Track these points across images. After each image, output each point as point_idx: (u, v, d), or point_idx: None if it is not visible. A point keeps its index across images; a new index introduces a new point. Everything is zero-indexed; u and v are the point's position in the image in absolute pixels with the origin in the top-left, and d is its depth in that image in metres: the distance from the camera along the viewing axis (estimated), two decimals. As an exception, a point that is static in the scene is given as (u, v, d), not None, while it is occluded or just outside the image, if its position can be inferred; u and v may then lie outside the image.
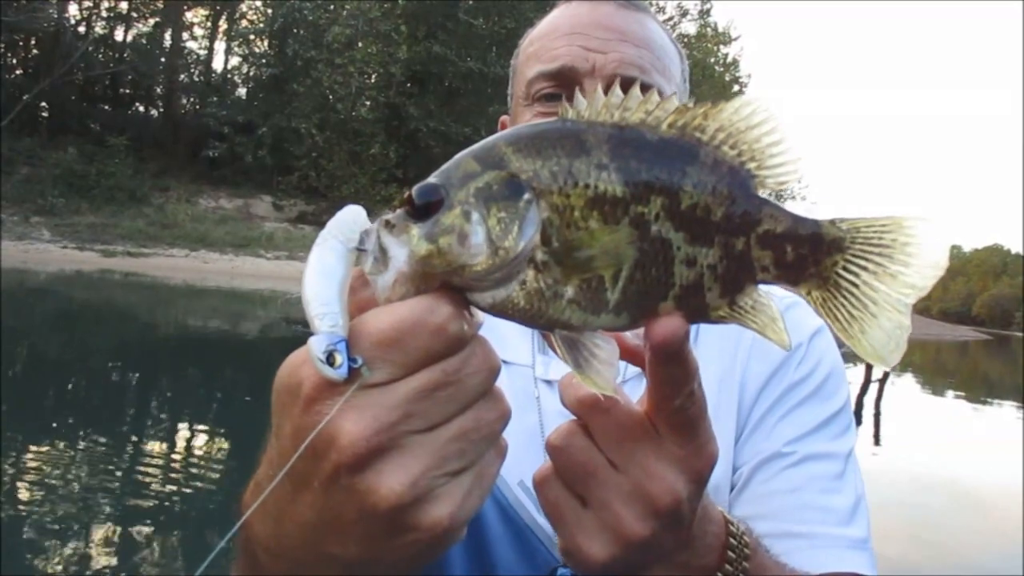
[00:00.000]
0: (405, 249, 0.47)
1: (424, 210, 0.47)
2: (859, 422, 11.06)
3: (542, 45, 1.09)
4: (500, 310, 0.49)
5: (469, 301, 0.49)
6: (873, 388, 13.32)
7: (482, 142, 0.51)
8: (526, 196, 0.49)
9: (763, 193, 0.52)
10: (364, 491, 0.45)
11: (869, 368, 16.43)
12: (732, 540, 0.67)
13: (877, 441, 10.08)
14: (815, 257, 0.53)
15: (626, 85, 1.04)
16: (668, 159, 0.51)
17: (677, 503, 0.56)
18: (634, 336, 0.57)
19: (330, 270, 0.47)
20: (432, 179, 0.49)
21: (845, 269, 0.54)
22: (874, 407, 12.61)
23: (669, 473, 0.56)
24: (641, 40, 1.06)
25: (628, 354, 0.58)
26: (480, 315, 0.50)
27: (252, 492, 0.55)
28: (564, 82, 1.05)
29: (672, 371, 0.53)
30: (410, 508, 0.46)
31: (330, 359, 0.44)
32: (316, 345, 0.44)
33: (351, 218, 0.49)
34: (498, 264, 0.47)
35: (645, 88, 1.02)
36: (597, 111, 0.52)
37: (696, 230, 0.51)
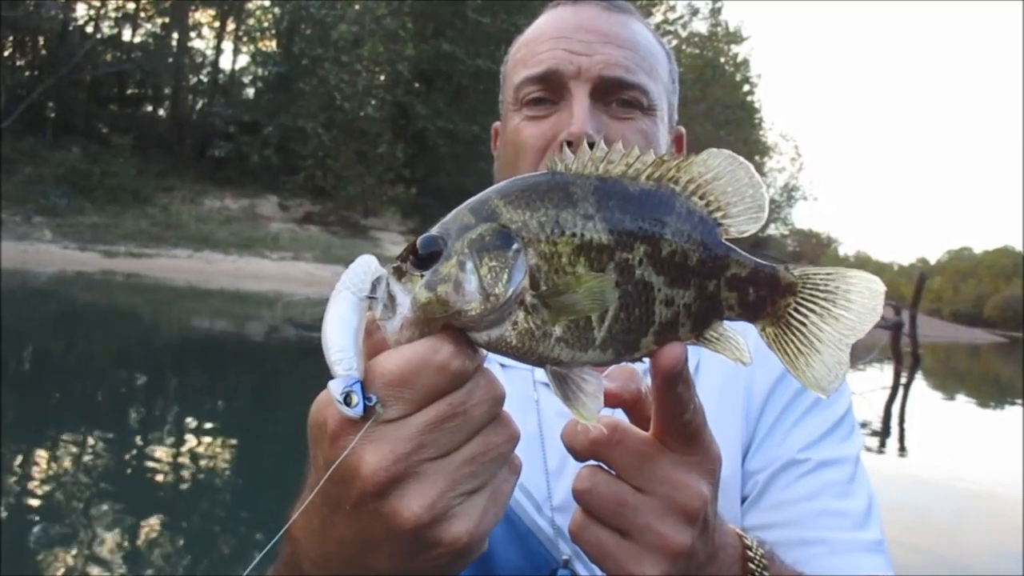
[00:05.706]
0: (409, 297, 0.52)
1: (427, 259, 0.53)
2: (888, 431, 10.79)
3: (528, 50, 1.10)
4: (495, 347, 0.55)
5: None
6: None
7: (478, 195, 0.56)
8: (515, 246, 0.53)
9: (726, 239, 0.58)
10: (388, 514, 0.52)
11: (897, 376, 16.10)
12: (748, 552, 0.70)
13: (902, 447, 9.86)
14: (772, 298, 0.59)
15: (610, 85, 1.03)
16: (649, 209, 0.56)
17: (705, 504, 0.61)
18: (610, 383, 0.64)
19: (345, 319, 0.52)
20: (433, 231, 0.54)
21: (796, 310, 0.59)
22: (899, 414, 12.31)
23: (692, 479, 0.61)
24: (625, 41, 1.06)
25: (611, 399, 0.64)
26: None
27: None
28: (550, 86, 1.05)
29: (680, 392, 0.59)
30: (431, 527, 0.52)
31: (347, 399, 0.50)
32: (334, 388, 0.50)
33: (363, 269, 0.54)
34: (490, 309, 0.52)
35: (628, 87, 1.03)
36: (583, 164, 0.56)
37: (675, 274, 0.56)
